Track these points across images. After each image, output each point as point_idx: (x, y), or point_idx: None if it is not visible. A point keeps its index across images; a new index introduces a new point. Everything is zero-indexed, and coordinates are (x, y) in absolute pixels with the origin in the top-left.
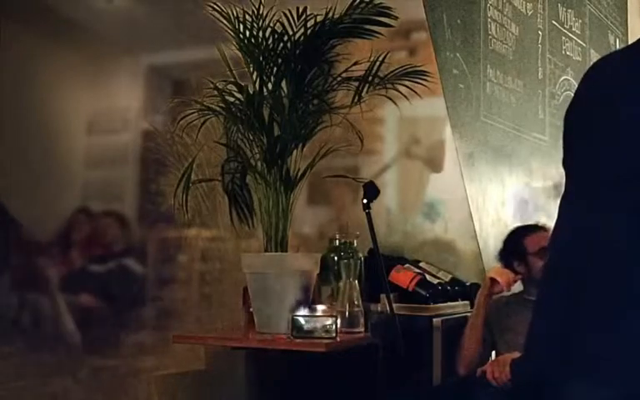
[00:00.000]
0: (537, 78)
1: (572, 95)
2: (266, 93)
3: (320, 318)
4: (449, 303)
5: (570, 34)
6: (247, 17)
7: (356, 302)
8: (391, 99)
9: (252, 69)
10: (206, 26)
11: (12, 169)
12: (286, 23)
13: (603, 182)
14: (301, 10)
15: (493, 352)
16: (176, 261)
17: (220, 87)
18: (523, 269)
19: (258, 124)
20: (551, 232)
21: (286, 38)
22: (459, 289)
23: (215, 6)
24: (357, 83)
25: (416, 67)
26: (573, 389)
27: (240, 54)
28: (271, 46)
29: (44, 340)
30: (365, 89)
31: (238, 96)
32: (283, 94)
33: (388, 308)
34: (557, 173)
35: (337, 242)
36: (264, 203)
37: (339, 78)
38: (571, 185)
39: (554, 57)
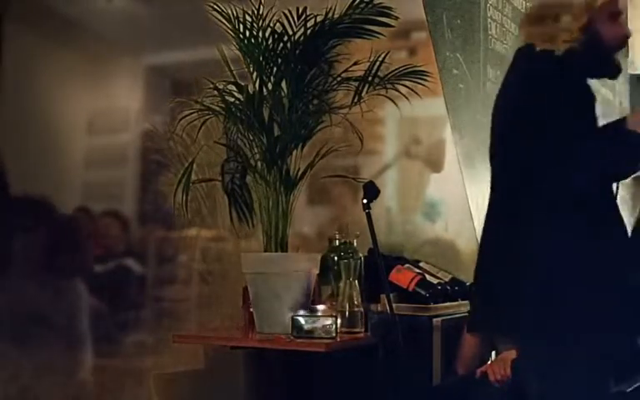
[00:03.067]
0: None
1: None
2: (266, 93)
3: (320, 318)
4: (449, 303)
5: None
6: (247, 17)
7: (356, 302)
8: (391, 99)
9: (252, 69)
10: (206, 26)
11: (11, 169)
12: (286, 23)
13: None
14: (301, 10)
15: (493, 352)
16: (176, 261)
17: (220, 87)
18: None
19: (258, 124)
20: None
21: (286, 38)
22: (459, 289)
23: (215, 6)
24: (357, 83)
25: (416, 67)
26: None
27: (240, 54)
28: (271, 46)
29: (44, 339)
30: (365, 89)
31: (238, 96)
32: (283, 94)
33: (388, 308)
34: None
35: (337, 242)
36: (264, 203)
37: (339, 78)
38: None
39: None
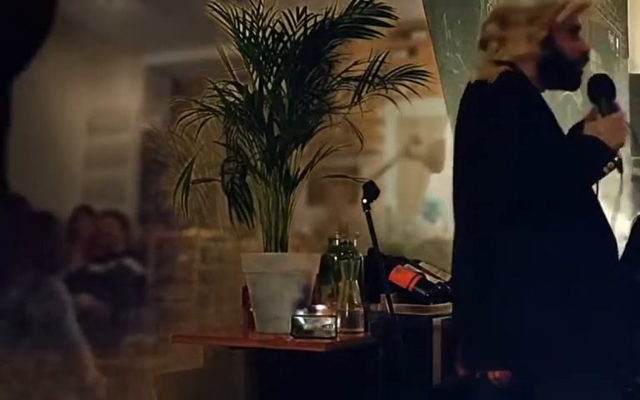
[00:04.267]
0: None
1: (573, 96)
2: (266, 93)
3: (320, 318)
4: (449, 303)
5: None
6: (247, 17)
7: (356, 302)
8: (391, 99)
9: (252, 69)
10: (206, 26)
11: (11, 168)
12: (286, 23)
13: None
14: (301, 10)
15: None
16: (176, 261)
17: (220, 87)
18: None
19: (258, 124)
20: None
21: (286, 38)
22: None
23: (215, 6)
24: (357, 83)
25: (416, 67)
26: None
27: (240, 54)
28: (271, 46)
29: (44, 339)
30: (365, 89)
31: (238, 96)
32: (283, 94)
33: (388, 308)
34: None
35: (337, 242)
36: (264, 203)
37: (339, 78)
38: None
39: None
